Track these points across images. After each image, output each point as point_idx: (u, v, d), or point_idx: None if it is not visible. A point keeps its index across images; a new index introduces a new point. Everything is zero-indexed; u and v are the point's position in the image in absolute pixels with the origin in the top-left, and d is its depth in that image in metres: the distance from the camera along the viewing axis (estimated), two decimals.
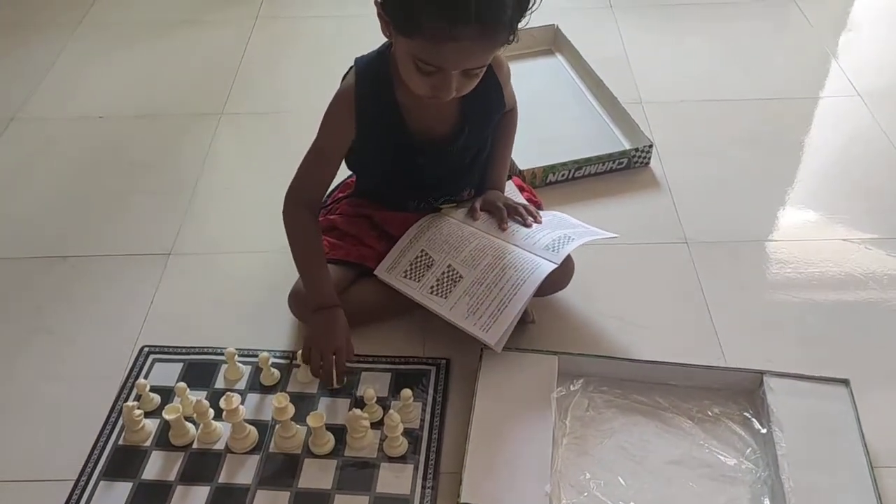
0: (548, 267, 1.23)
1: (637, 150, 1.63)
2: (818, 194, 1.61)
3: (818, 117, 1.82)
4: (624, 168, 1.64)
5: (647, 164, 1.65)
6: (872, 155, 1.70)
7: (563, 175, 1.61)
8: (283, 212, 1.26)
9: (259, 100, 1.90)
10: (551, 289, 1.32)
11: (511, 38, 1.08)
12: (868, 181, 1.63)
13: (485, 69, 1.12)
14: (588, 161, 1.61)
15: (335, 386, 1.19)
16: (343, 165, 1.32)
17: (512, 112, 1.37)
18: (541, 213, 1.37)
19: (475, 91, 1.15)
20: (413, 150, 1.25)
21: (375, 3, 1.08)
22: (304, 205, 1.25)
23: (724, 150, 1.71)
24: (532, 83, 1.84)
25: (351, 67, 1.25)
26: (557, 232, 1.30)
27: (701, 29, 2.12)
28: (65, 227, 1.56)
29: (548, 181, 1.61)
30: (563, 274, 1.29)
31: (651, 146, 1.64)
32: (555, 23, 1.99)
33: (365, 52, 1.24)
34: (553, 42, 2.01)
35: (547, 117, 1.76)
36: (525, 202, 1.39)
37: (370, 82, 1.20)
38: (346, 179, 1.45)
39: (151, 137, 1.80)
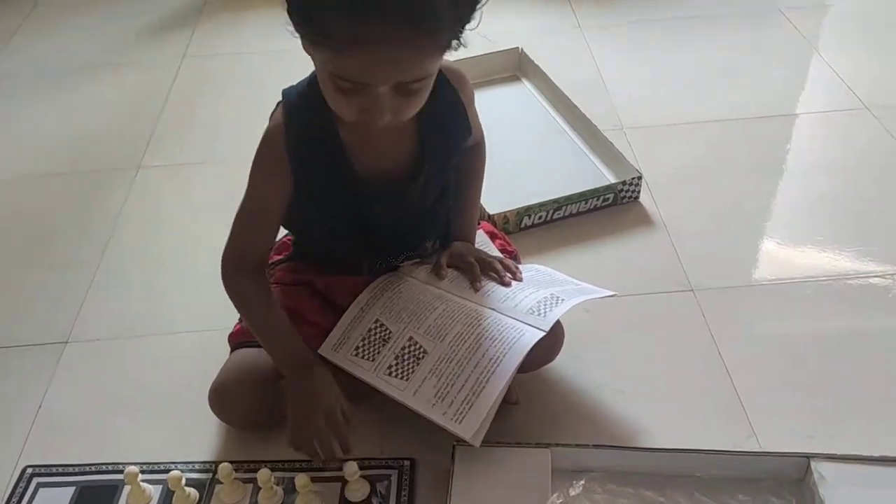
0: (533, 335, 0.99)
1: (624, 183, 1.40)
2: (839, 223, 1.38)
3: (823, 134, 1.61)
4: (610, 205, 1.42)
5: (637, 198, 1.43)
6: (894, 173, 1.48)
7: (540, 217, 1.38)
8: (223, 280, 1.03)
9: (184, 149, 1.66)
10: (538, 362, 1.08)
11: (454, 39, 0.84)
12: (894, 204, 1.41)
13: (427, 84, 0.88)
14: (568, 199, 1.38)
15: (340, 458, 0.94)
16: None
17: (479, 147, 1.14)
18: (521, 267, 1.12)
19: (434, 114, 0.95)
20: (364, 196, 1.02)
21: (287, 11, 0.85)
22: (245, 269, 1.03)
23: (722, 178, 1.49)
24: (497, 113, 1.61)
25: (279, 103, 1.01)
26: (543, 291, 1.06)
27: (679, 45, 1.92)
28: None
29: (523, 225, 1.37)
30: (551, 343, 1.05)
31: (640, 178, 1.41)
32: (518, 45, 1.78)
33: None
34: (518, 67, 1.80)
35: (516, 151, 1.54)
36: (500, 255, 1.15)
37: (303, 117, 0.96)
38: (282, 239, 1.21)
39: (56, 200, 1.56)
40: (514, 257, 1.22)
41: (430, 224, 1.14)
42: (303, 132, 0.96)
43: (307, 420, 0.95)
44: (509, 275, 1.09)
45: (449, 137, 1.05)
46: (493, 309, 1.04)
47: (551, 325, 1.00)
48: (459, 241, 1.14)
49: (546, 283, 1.10)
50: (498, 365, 0.97)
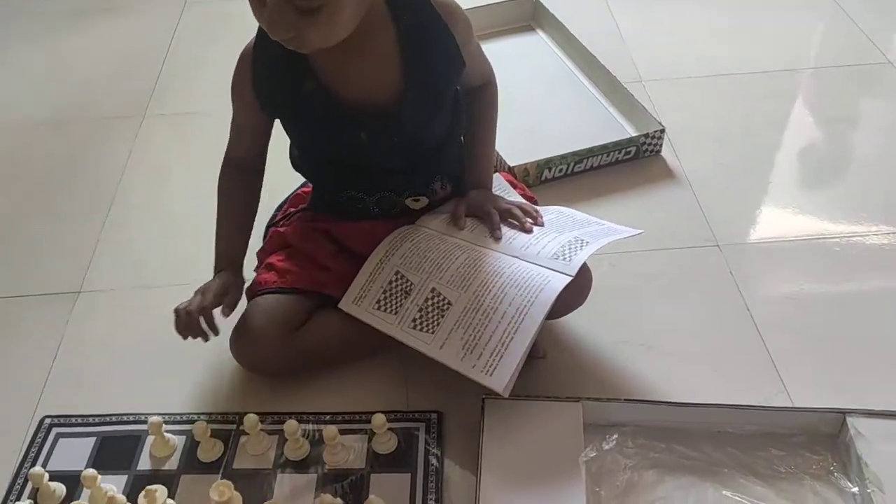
0: (560, 281, 0.96)
1: (646, 136, 1.37)
2: (865, 177, 1.36)
3: (849, 88, 1.57)
4: (632, 158, 1.38)
5: (659, 152, 1.40)
6: None
7: (560, 170, 1.34)
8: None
9: (189, 97, 1.61)
10: (565, 309, 1.06)
11: None
12: None
13: (330, 10, 0.83)
14: (590, 152, 1.35)
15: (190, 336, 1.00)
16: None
17: (488, 88, 1.10)
18: (541, 210, 1.10)
19: (419, 45, 0.95)
20: (348, 122, 0.99)
21: None
22: (230, 164, 1.09)
23: (746, 132, 1.46)
24: (512, 65, 1.57)
25: None
26: (566, 235, 1.03)
27: None
28: None
29: (543, 178, 1.34)
30: (579, 288, 1.02)
31: (663, 131, 1.38)
32: None
33: None
34: (532, 17, 1.75)
35: (534, 104, 1.50)
36: (521, 199, 1.12)
37: (272, 41, 0.90)
38: (296, 190, 1.18)
39: (59, 148, 1.51)
40: (535, 203, 1.19)
41: (435, 163, 1.10)
42: (269, 54, 0.95)
43: (189, 302, 1.00)
44: (530, 220, 1.06)
45: (435, 69, 1.00)
46: (516, 256, 1.01)
47: (577, 269, 0.97)
48: (475, 188, 1.11)
49: (569, 225, 1.06)
50: (526, 313, 0.94)
